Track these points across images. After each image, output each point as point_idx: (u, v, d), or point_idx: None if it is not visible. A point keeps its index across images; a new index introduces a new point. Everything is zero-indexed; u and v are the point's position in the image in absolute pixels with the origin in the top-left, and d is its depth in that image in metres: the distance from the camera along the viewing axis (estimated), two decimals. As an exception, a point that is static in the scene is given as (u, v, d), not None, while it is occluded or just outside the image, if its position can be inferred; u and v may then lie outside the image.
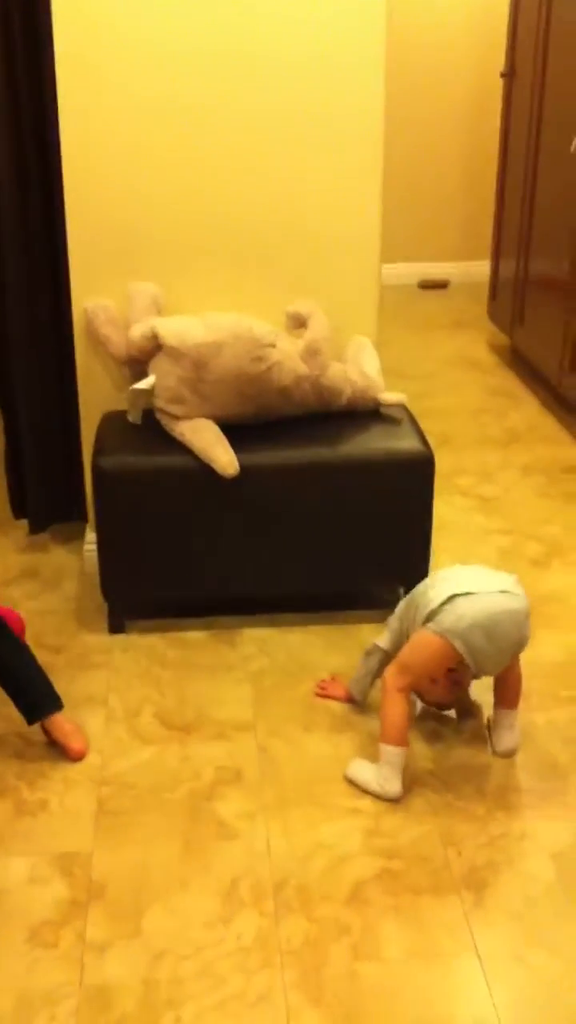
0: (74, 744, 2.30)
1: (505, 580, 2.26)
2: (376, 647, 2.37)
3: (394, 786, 2.17)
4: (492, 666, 2.24)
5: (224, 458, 2.52)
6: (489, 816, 2.15)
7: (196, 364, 2.53)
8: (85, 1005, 1.74)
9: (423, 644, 2.20)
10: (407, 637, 2.28)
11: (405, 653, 2.24)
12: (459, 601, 2.17)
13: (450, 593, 2.19)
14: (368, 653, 2.39)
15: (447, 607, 2.17)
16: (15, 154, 2.77)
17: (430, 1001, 1.76)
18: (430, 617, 2.19)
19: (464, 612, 2.16)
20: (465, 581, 2.23)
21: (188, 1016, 1.72)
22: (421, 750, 2.33)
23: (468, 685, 2.39)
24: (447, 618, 2.16)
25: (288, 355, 2.60)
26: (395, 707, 2.20)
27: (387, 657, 2.33)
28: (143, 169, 2.68)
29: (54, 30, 2.55)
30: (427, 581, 2.32)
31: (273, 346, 2.58)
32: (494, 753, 2.30)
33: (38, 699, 2.31)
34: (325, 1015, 1.72)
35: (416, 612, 2.26)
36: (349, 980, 1.78)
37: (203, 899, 1.94)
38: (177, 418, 2.59)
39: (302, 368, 2.62)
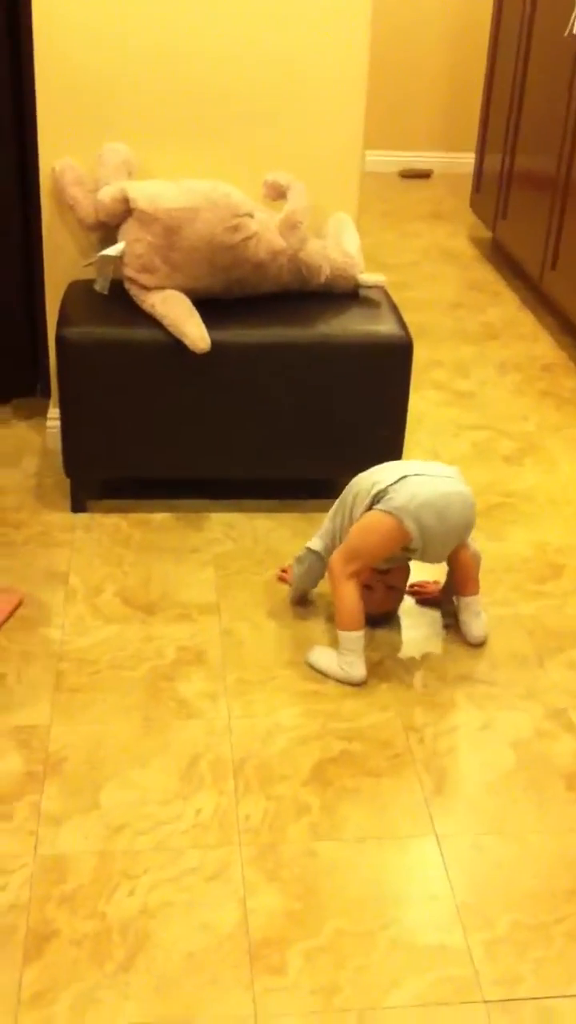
0: None
1: (449, 469, 2.23)
2: (308, 551, 2.29)
3: (357, 670, 2.15)
4: (439, 549, 2.20)
5: (196, 332, 2.42)
6: (451, 704, 2.13)
7: (168, 230, 2.41)
8: (39, 875, 1.72)
9: (372, 525, 2.14)
10: (341, 538, 2.23)
11: (352, 537, 2.18)
12: (411, 480, 2.13)
13: (401, 474, 2.14)
14: (299, 559, 2.32)
15: (397, 486, 2.13)
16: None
17: (387, 880, 1.76)
18: (378, 498, 2.14)
19: (416, 491, 2.11)
20: (412, 466, 2.20)
21: (143, 888, 1.71)
22: (384, 637, 2.30)
23: (403, 590, 2.35)
24: (398, 497, 2.11)
25: (266, 227, 2.50)
26: (347, 592, 2.17)
27: (320, 560, 2.28)
28: (122, 22, 2.53)
29: None
30: (364, 473, 2.26)
31: (251, 216, 2.46)
32: (468, 641, 2.28)
33: None
34: (281, 891, 1.72)
35: (356, 500, 2.20)
36: (307, 858, 1.78)
37: (162, 776, 1.92)
38: (147, 288, 2.48)
39: (279, 242, 2.51)
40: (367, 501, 2.16)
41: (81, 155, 2.61)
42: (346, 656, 2.16)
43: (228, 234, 2.43)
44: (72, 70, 2.55)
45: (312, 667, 2.19)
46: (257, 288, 2.58)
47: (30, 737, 1.98)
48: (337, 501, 2.28)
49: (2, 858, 1.74)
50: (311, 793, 1.90)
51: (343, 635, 2.17)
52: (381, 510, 2.13)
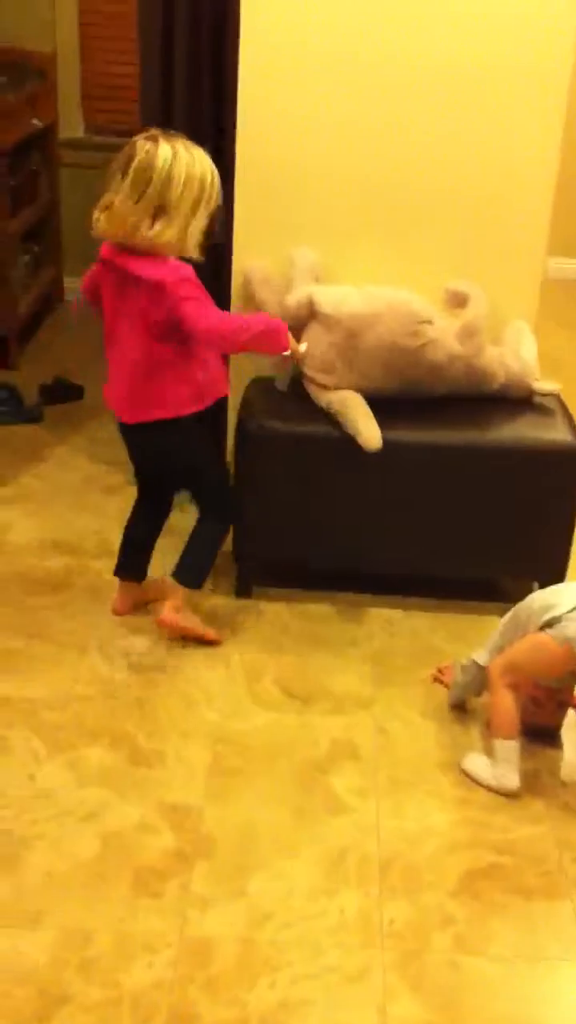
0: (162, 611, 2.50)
1: None
2: (473, 663, 2.28)
3: (511, 780, 2.11)
4: None
5: (369, 432, 2.48)
6: (608, 825, 2.07)
7: (349, 333, 2.50)
8: (184, 957, 1.74)
9: (539, 647, 2.12)
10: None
11: (517, 652, 2.16)
12: None
13: None
14: (463, 668, 2.31)
15: (573, 615, 2.09)
16: (190, 106, 2.78)
17: (531, 1002, 1.71)
18: (551, 623, 2.11)
19: None
20: None
21: (284, 981, 1.71)
22: (543, 750, 2.26)
23: (570, 706, 2.30)
24: (572, 627, 2.08)
25: (444, 333, 2.55)
26: (504, 700, 2.15)
27: (483, 673, 2.26)
28: (314, 133, 2.66)
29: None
30: (539, 593, 2.25)
31: (430, 322, 2.53)
32: None
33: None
34: (423, 1001, 1.69)
35: (528, 619, 2.18)
36: (450, 970, 1.75)
37: (309, 869, 1.93)
38: (325, 387, 2.57)
39: (456, 348, 2.56)
40: (539, 622, 2.15)
41: (271, 257, 2.74)
42: (500, 765, 2.13)
43: (408, 339, 2.50)
44: (270, 170, 2.69)
45: (466, 774, 2.16)
46: (432, 391, 2.63)
47: (183, 817, 2.03)
48: (509, 615, 2.26)
49: (150, 936, 1.78)
50: (458, 904, 1.87)
51: (498, 743, 2.14)
52: (551, 635, 2.10)
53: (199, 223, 2.29)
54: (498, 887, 1.91)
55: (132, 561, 2.66)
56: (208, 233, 2.32)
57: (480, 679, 2.27)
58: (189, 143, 2.29)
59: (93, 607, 2.68)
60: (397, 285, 2.63)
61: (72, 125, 4.91)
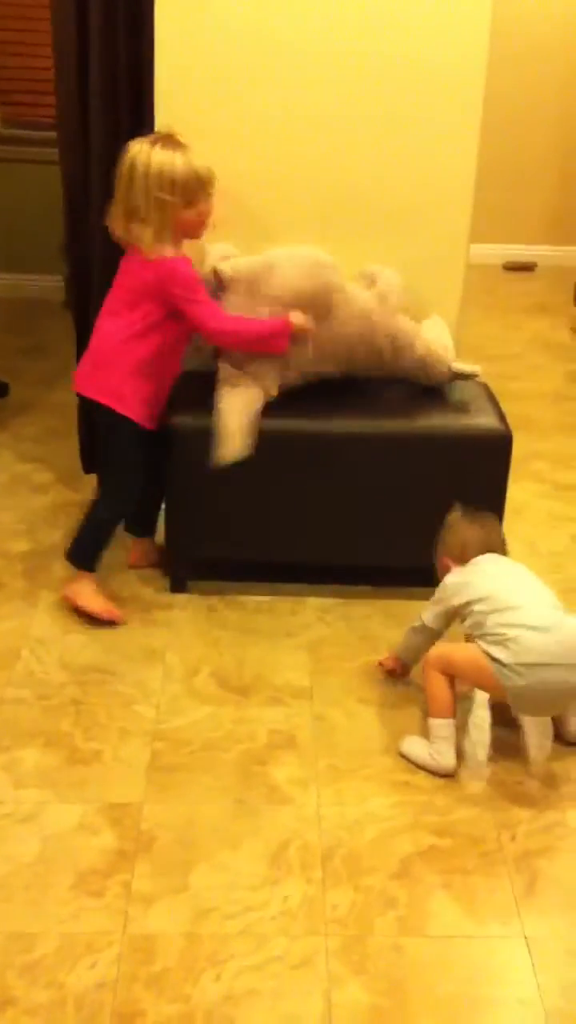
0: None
1: (556, 609, 2.16)
2: (424, 626, 2.30)
3: (448, 759, 2.14)
4: (533, 710, 2.21)
5: (225, 447, 2.49)
6: (546, 803, 2.10)
7: (250, 284, 2.50)
8: (127, 955, 1.73)
9: (478, 666, 2.10)
10: (454, 618, 2.24)
11: (458, 656, 2.16)
12: (532, 642, 2.05)
13: (523, 623, 2.07)
14: (415, 630, 2.33)
15: (518, 641, 2.05)
16: (106, 95, 2.76)
17: (474, 980, 1.73)
18: (499, 641, 2.07)
19: (534, 673, 2.04)
20: (533, 609, 2.11)
21: (229, 974, 1.71)
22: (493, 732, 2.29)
23: None
24: (516, 663, 2.04)
25: (355, 290, 2.59)
26: (436, 681, 2.17)
27: (434, 635, 2.29)
28: (235, 130, 2.66)
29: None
30: (486, 569, 2.24)
31: (334, 268, 2.56)
32: (566, 739, 2.25)
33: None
34: (366, 985, 1.70)
35: (474, 610, 2.16)
36: (393, 953, 1.76)
37: (251, 861, 1.93)
38: (238, 369, 2.56)
39: (370, 303, 2.58)
40: (482, 625, 2.12)
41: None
42: (436, 744, 2.15)
43: (311, 279, 2.52)
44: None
45: (404, 757, 2.18)
46: (353, 361, 2.62)
47: (123, 815, 2.01)
48: (455, 579, 2.24)
49: (92, 936, 1.76)
50: (399, 886, 1.89)
51: (433, 722, 2.17)
52: (492, 661, 2.07)
53: (172, 220, 2.42)
54: (438, 868, 1.93)
55: (133, 514, 2.76)
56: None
57: (432, 640, 2.29)
58: (174, 142, 2.41)
59: (25, 608, 2.65)
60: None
61: (-11, 120, 4.84)
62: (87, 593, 2.59)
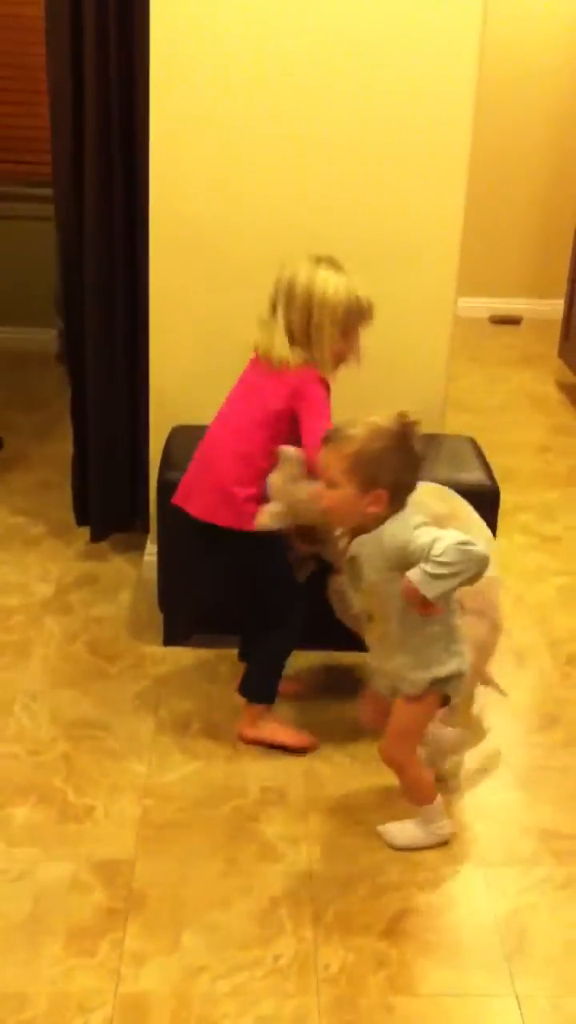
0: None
1: None
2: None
3: (447, 827, 2.14)
4: None
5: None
6: (533, 859, 2.12)
7: None
8: (119, 1014, 1.74)
9: (418, 713, 2.06)
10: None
11: (402, 727, 2.08)
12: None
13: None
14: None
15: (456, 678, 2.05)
16: (101, 151, 2.82)
17: (465, 1041, 1.74)
18: (442, 680, 2.03)
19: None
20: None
21: (221, 1035, 1.71)
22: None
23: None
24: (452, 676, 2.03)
25: None
26: (412, 771, 2.12)
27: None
28: (228, 186, 2.71)
29: (151, 36, 2.59)
30: (401, 535, 1.95)
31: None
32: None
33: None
34: (358, 1046, 1.71)
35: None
36: (384, 1012, 1.77)
37: (243, 919, 1.93)
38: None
39: None
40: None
41: (187, 307, 2.78)
42: (431, 826, 2.13)
43: None
44: (183, 222, 2.73)
45: (402, 848, 2.12)
46: None
47: (115, 873, 2.02)
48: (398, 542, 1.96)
49: (85, 995, 1.77)
50: (389, 945, 1.90)
51: (425, 809, 2.12)
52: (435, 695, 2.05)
53: (329, 346, 2.26)
54: (428, 925, 1.94)
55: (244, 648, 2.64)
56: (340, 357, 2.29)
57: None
58: (337, 265, 2.26)
59: (17, 662, 2.66)
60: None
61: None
62: (273, 727, 2.42)
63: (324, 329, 2.24)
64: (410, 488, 1.99)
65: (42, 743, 2.37)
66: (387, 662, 2.07)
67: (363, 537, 2.00)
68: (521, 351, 5.41)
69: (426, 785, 2.13)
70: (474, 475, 2.70)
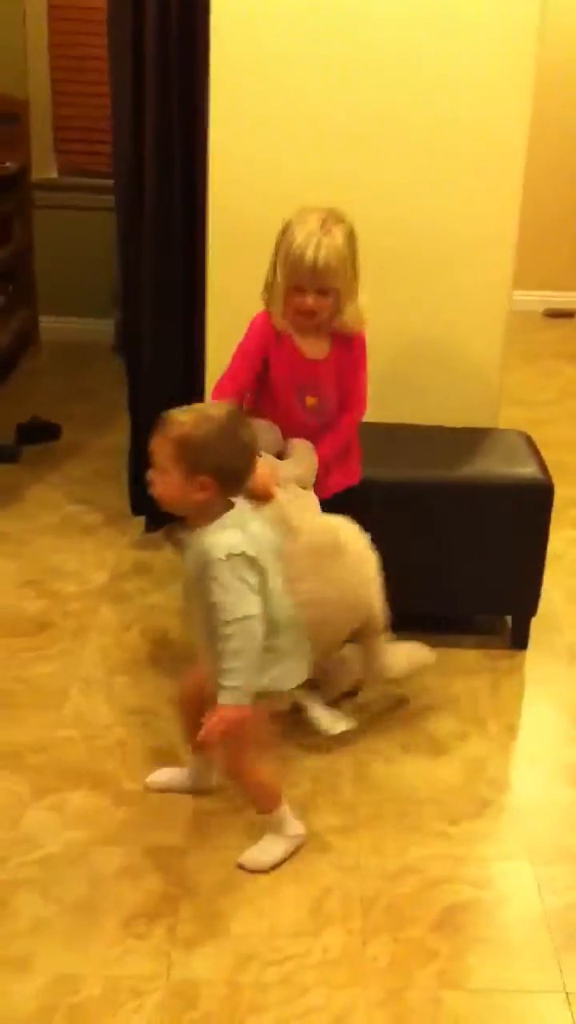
0: None
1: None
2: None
3: (299, 828, 2.09)
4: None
5: None
6: (585, 857, 2.12)
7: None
8: (170, 1000, 1.77)
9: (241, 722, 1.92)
10: None
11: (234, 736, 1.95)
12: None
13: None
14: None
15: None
16: (161, 149, 2.84)
17: (513, 1037, 1.74)
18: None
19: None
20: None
21: (268, 1022, 1.73)
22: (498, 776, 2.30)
23: None
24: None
25: None
26: (254, 776, 2.05)
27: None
28: (285, 183, 2.72)
29: (211, 34, 2.60)
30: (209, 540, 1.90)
31: None
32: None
33: None
34: (406, 1038, 1.72)
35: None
36: (433, 1006, 1.78)
37: (293, 908, 1.96)
38: None
39: None
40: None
41: (244, 310, 2.79)
42: (288, 824, 2.08)
43: None
44: (241, 219, 2.74)
45: (272, 869, 2.04)
46: None
47: (168, 859, 2.05)
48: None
49: (137, 980, 1.80)
50: (439, 938, 1.91)
51: (274, 816, 2.07)
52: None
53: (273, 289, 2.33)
54: (478, 920, 1.95)
55: None
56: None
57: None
58: (329, 223, 2.27)
59: (74, 648, 2.70)
60: (371, 328, 2.67)
61: (45, 168, 4.97)
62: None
63: (272, 267, 2.31)
64: (237, 476, 1.93)
65: (97, 728, 2.41)
66: (207, 664, 1.99)
67: (197, 532, 1.93)
68: (573, 344, 5.36)
69: (269, 791, 2.07)
70: (528, 470, 2.69)
